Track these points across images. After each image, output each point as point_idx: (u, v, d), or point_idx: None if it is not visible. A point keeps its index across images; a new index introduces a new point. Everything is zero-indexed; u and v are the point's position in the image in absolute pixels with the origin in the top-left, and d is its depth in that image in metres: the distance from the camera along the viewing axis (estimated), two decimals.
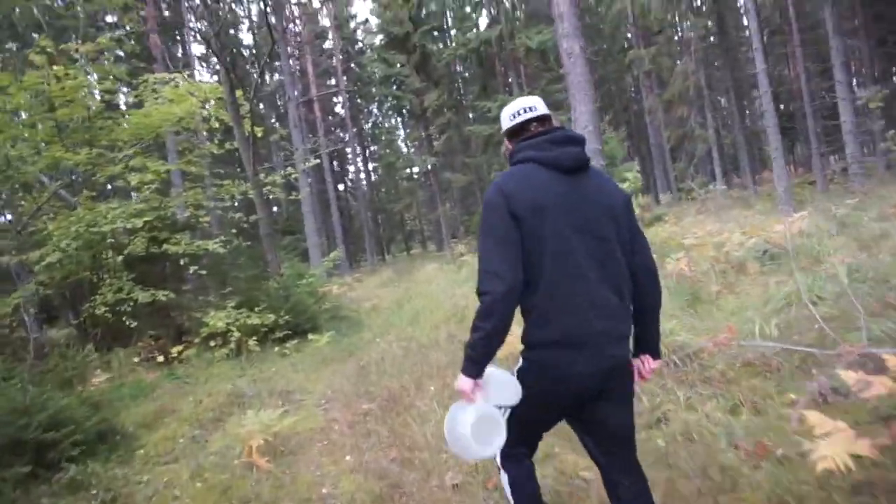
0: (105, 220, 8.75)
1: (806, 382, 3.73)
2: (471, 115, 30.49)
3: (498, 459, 2.22)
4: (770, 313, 5.51)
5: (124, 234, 9.30)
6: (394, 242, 49.16)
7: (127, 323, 8.77)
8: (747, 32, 32.42)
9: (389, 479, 3.83)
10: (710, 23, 22.85)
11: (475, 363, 1.94)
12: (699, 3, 25.93)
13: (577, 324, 1.92)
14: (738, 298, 7.12)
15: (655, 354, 2.20)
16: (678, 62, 23.66)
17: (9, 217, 10.79)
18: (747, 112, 29.12)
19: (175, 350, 8.87)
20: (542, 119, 2.14)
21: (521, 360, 2.07)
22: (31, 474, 4.27)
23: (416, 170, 49.51)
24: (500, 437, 1.99)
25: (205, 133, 13.61)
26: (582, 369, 1.94)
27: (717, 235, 10.24)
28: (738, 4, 26.88)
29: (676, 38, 26.06)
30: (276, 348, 9.26)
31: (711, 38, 23.48)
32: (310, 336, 9.80)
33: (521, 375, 2.04)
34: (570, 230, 1.93)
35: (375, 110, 45.63)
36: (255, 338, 9.31)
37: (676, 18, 25.72)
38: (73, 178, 10.75)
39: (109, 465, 4.72)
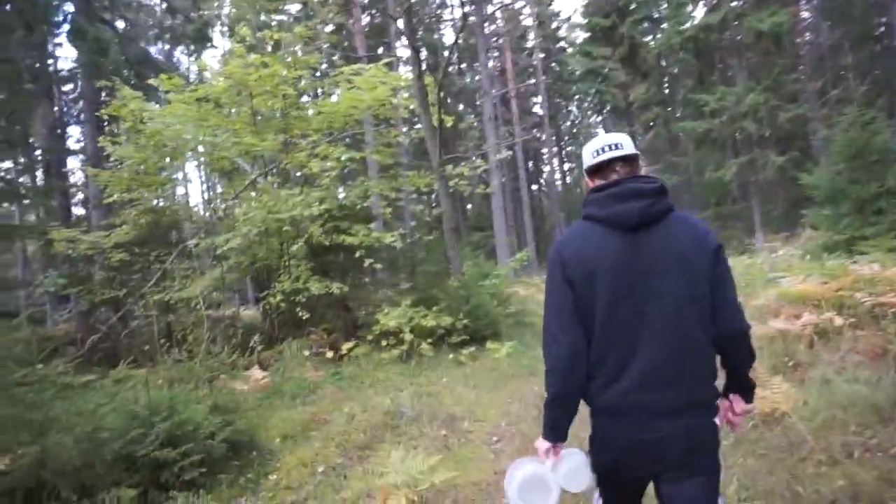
0: (285, 207, 8.39)
1: None
2: (678, 113, 27.45)
3: None
4: None
5: (304, 222, 8.90)
6: None
7: (300, 314, 8.32)
8: None
9: None
10: None
11: (548, 426, 1.95)
12: None
13: (630, 393, 1.80)
14: None
15: (747, 398, 2.00)
16: None
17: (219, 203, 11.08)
18: None
19: (346, 347, 8.24)
20: (627, 160, 1.95)
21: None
22: (142, 497, 3.54)
23: None
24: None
25: (401, 125, 13.16)
26: (639, 440, 1.81)
27: None
28: None
29: None
30: (451, 355, 8.22)
31: None
32: (489, 344, 8.62)
33: (590, 443, 1.99)
34: (620, 295, 1.81)
35: (574, 109, 43.91)
36: (429, 340, 8.39)
37: None
38: (271, 167, 10.76)
39: (231, 494, 3.89)
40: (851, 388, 4.26)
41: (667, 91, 28.41)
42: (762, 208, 21.92)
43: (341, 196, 9.73)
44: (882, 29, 25.30)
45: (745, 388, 1.99)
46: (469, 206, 34.13)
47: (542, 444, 1.96)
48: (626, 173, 1.94)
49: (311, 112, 10.54)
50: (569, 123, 44.74)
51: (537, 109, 40.07)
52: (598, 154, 1.96)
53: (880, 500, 2.90)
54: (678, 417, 1.80)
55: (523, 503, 1.93)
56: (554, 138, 38.55)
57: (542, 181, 45.79)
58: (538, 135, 38.60)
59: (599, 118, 37.64)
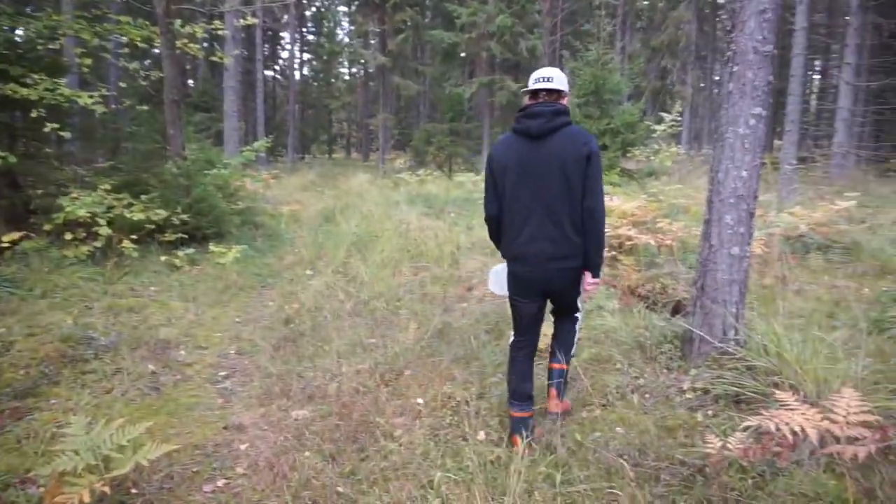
0: None
1: None
2: (426, 19, 27.14)
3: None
4: None
5: None
6: (315, 142, 45.34)
7: None
8: None
9: None
10: None
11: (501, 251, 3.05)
12: None
13: (522, 247, 2.79)
14: (805, 301, 5.33)
15: (593, 273, 2.84)
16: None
17: None
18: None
19: (9, 238, 6.08)
20: (550, 91, 2.79)
21: None
22: None
23: (354, 70, 45.57)
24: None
25: None
26: (527, 276, 2.84)
27: None
28: None
29: None
30: (164, 256, 6.69)
31: None
32: (212, 246, 7.26)
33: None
34: (522, 183, 2.75)
35: None
36: (133, 237, 6.70)
37: None
38: None
39: None
40: (608, 322, 4.23)
41: None
42: (491, 130, 23.18)
43: (14, 30, 7.02)
44: None
45: (592, 265, 2.81)
46: (191, 82, 29.76)
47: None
48: (547, 100, 2.78)
49: None
50: (314, 10, 41.68)
51: None
52: (534, 82, 2.81)
53: (666, 454, 2.71)
54: (555, 262, 2.76)
55: (498, 287, 3.04)
56: (296, 22, 35.42)
57: (277, 68, 42.39)
58: (281, 17, 35.18)
59: (348, 10, 35.68)
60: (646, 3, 20.75)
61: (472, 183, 16.89)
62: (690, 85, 20.42)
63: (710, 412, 3.00)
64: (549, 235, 2.70)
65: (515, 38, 20.67)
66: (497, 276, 3.04)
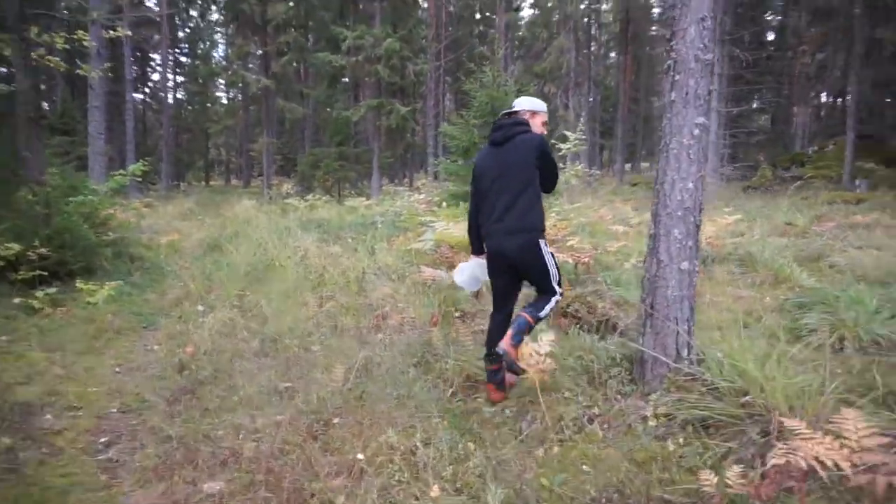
0: None
1: None
2: (309, 42, 26.45)
3: None
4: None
5: None
6: (191, 169, 42.75)
7: None
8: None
9: None
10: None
11: (472, 248, 3.85)
12: None
13: (490, 225, 3.50)
14: (718, 312, 5.38)
15: None
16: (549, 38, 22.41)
17: None
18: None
19: None
20: (511, 113, 3.66)
21: None
22: None
23: (232, 94, 43.62)
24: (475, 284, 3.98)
25: None
26: (493, 248, 3.54)
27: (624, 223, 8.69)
28: None
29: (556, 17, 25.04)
30: (18, 298, 5.68)
31: (587, 20, 22.49)
32: (80, 284, 6.29)
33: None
34: (492, 180, 3.50)
35: (196, 14, 38.93)
36: None
37: None
38: None
39: None
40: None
41: (308, 17, 26.98)
42: (381, 154, 22.84)
43: None
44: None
45: None
46: (46, 104, 26.96)
47: (472, 256, 3.88)
48: (510, 118, 3.66)
49: None
50: (188, 31, 39.57)
51: (152, 4, 34.10)
52: (509, 108, 3.76)
53: (648, 493, 2.42)
54: (511, 236, 3.44)
55: (459, 278, 3.96)
56: (169, 41, 33.37)
57: (148, 90, 39.77)
58: (151, 37, 33.06)
59: (226, 31, 34.18)
60: (525, 34, 21.46)
61: (365, 207, 16.42)
62: (573, 109, 21.28)
63: (680, 440, 2.76)
64: (508, 215, 3.38)
65: (403, 62, 20.59)
66: (462, 271, 3.88)
